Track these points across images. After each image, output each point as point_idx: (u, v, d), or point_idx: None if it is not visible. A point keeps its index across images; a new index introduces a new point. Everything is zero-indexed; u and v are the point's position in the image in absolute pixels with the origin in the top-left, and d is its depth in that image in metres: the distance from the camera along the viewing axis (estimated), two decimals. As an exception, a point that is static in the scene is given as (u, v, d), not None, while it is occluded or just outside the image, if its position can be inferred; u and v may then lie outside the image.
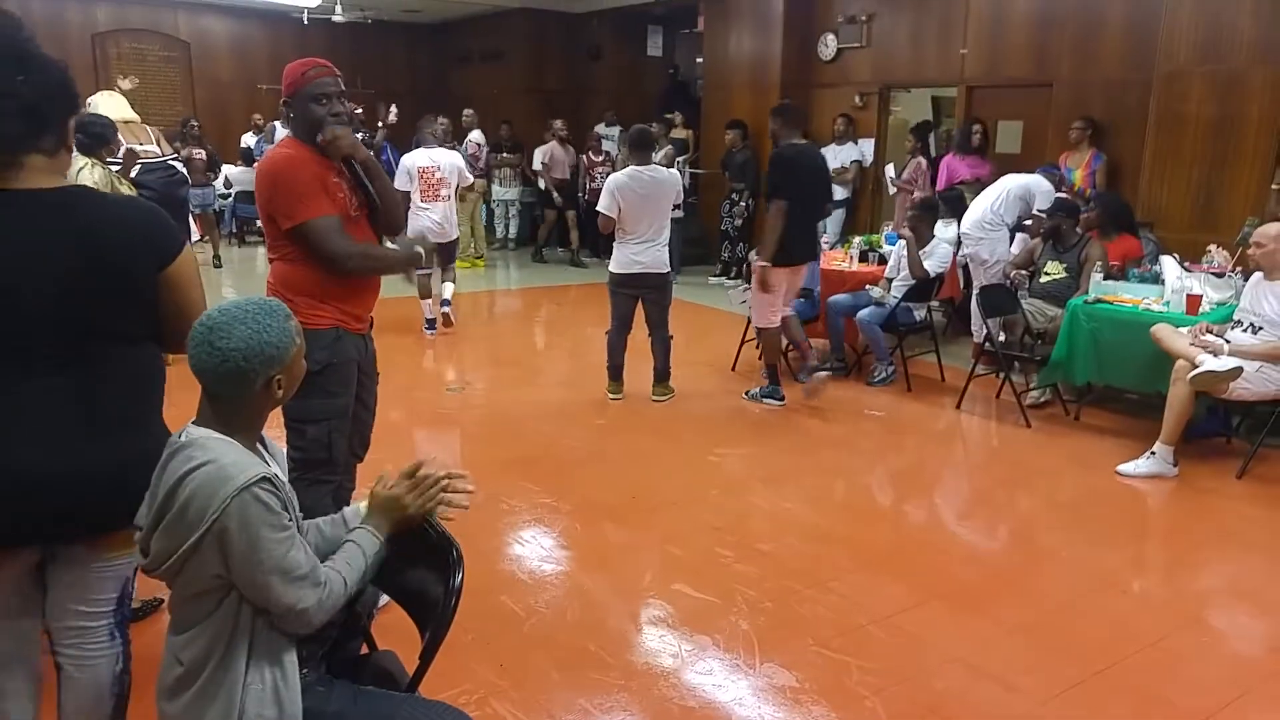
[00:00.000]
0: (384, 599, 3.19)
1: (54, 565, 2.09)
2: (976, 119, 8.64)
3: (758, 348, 6.92)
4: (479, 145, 11.55)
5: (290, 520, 1.81)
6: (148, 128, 7.23)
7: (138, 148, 6.60)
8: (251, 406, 1.86)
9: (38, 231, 1.93)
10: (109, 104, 6.91)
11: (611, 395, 6.24)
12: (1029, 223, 6.98)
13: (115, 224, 2.01)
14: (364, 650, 2.29)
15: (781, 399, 6.18)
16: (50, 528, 2.01)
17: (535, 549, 4.06)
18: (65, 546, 2.07)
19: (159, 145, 7.08)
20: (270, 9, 13.82)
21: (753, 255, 6.32)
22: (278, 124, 12.45)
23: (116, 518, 1.95)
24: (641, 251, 5.89)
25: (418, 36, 16.25)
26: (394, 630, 2.34)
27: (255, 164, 12.31)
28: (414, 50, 16.25)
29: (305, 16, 13.40)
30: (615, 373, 6.25)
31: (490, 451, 5.34)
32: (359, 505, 2.11)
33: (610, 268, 6.03)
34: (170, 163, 7.04)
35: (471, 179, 9.53)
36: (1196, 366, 4.81)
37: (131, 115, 7.14)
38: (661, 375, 6.24)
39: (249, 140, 13.01)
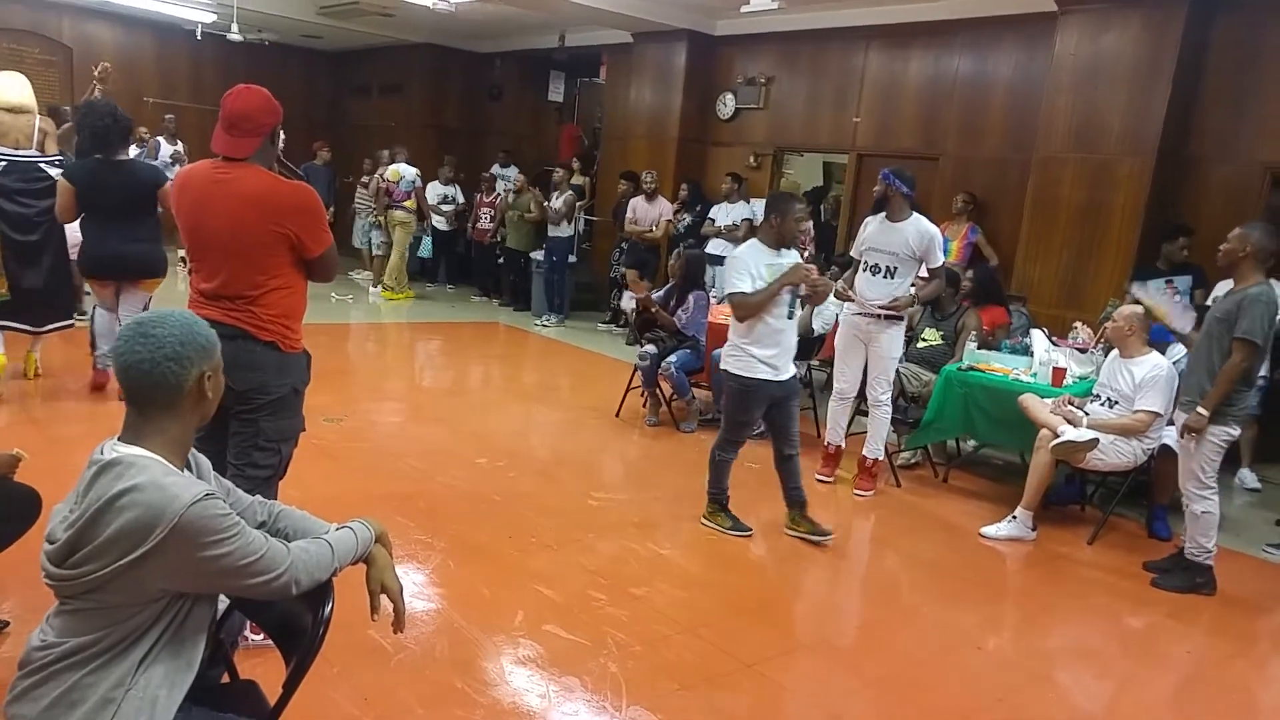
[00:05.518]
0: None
1: (123, 289, 6.01)
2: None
3: (642, 395, 7.02)
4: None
5: (235, 518, 1.78)
6: (38, 119, 6.42)
7: None
8: (181, 413, 1.82)
9: (126, 175, 5.89)
10: (3, 82, 6.27)
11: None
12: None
13: (138, 169, 6.09)
14: (225, 679, 2.21)
15: None
16: (123, 274, 5.94)
17: (407, 585, 3.89)
18: (128, 283, 5.98)
19: (38, 144, 6.33)
20: (162, 21, 13.35)
21: None
22: (161, 139, 12.05)
23: (145, 275, 6.01)
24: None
25: (316, 63, 16.04)
26: (259, 661, 2.25)
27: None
28: (312, 76, 16.02)
29: (199, 31, 12.94)
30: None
31: (366, 485, 5.22)
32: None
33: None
34: (41, 165, 6.19)
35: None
36: (1058, 436, 5.07)
37: (19, 101, 6.27)
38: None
39: (131, 154, 12.39)
